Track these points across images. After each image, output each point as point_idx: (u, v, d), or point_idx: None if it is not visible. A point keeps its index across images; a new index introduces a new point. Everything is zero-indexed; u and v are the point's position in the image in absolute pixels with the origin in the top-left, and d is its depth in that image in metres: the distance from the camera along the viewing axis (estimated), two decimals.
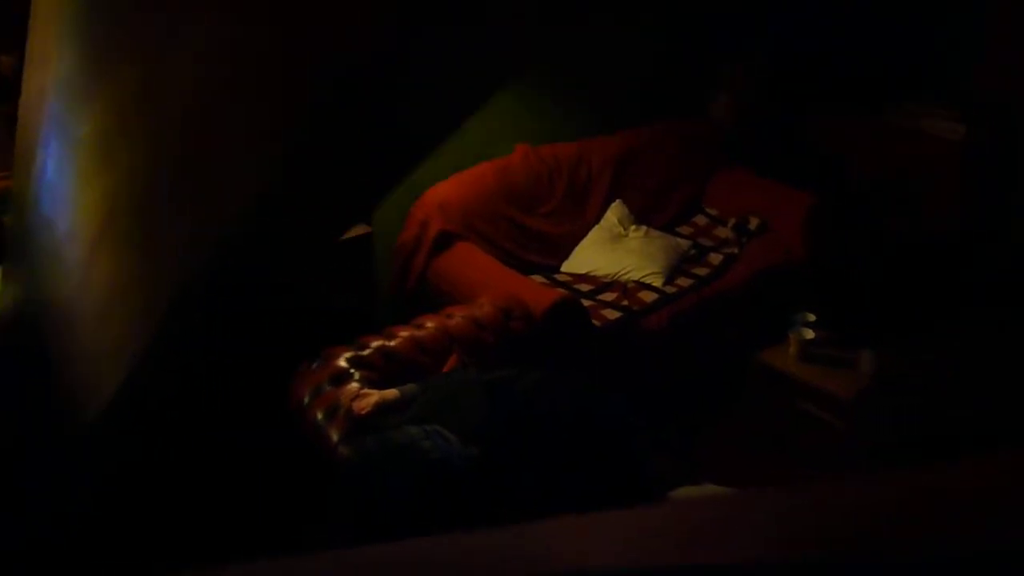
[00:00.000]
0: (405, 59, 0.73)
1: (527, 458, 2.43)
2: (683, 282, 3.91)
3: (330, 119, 0.71)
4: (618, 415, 2.64)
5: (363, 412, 2.57)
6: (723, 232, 4.33)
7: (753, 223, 4.30)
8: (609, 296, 3.77)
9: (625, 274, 3.89)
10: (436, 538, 0.52)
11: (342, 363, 2.84)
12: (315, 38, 0.69)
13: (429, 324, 3.07)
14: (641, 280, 3.86)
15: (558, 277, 3.95)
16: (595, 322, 3.53)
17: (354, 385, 2.74)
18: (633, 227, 4.18)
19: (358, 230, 3.57)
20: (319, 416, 2.67)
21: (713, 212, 4.49)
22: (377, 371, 2.85)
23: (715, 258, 4.13)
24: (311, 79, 0.69)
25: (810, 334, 3.67)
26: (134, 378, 0.86)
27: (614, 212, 4.19)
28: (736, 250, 4.18)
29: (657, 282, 3.85)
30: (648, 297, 3.76)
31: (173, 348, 0.86)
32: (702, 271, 4.02)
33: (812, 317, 3.75)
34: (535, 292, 3.41)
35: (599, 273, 3.93)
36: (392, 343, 2.96)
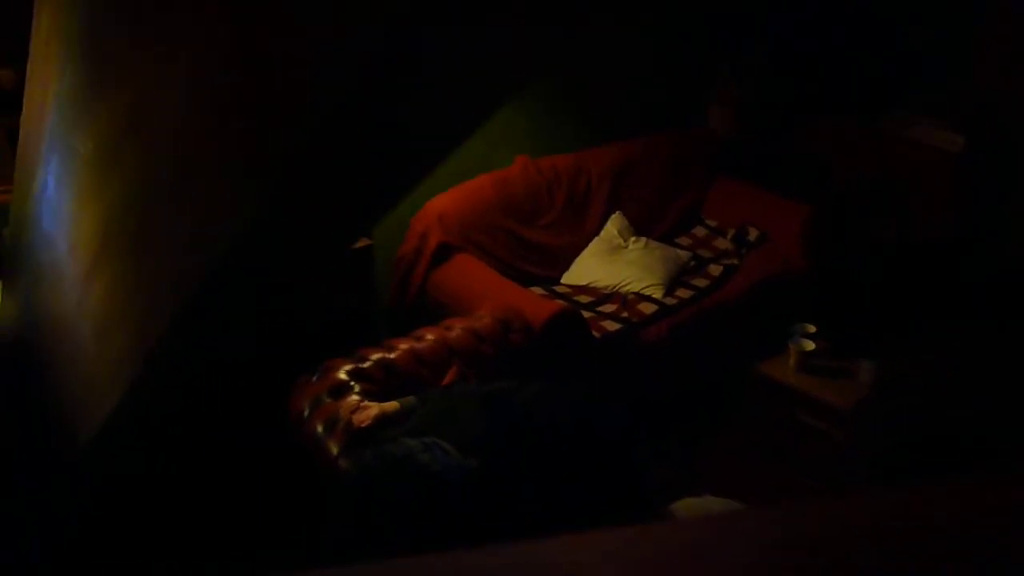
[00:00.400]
0: (409, 67, 0.73)
1: (526, 470, 2.42)
2: (683, 293, 3.92)
3: (333, 128, 0.71)
4: (618, 426, 2.64)
5: (363, 425, 2.57)
6: (722, 243, 4.34)
7: (752, 234, 4.30)
8: (609, 308, 3.77)
9: (625, 286, 3.90)
10: (427, 557, 0.52)
11: (342, 375, 2.84)
12: (317, 44, 0.69)
13: (429, 336, 3.07)
14: (641, 292, 3.86)
15: (557, 289, 3.95)
16: (595, 333, 3.53)
17: (354, 398, 2.74)
18: (633, 238, 4.18)
19: (358, 242, 3.57)
20: (319, 428, 2.67)
21: (712, 223, 4.50)
22: (377, 384, 2.85)
23: (715, 269, 4.13)
24: (313, 87, 0.69)
25: (809, 345, 3.67)
26: (135, 391, 0.86)
27: (613, 224, 4.20)
28: (735, 261, 4.19)
29: (657, 294, 3.85)
30: (648, 309, 3.76)
31: (174, 362, 0.86)
32: (702, 282, 4.02)
33: (811, 328, 3.75)
34: (534, 304, 3.42)
35: (599, 285, 3.94)
36: (392, 355, 2.96)
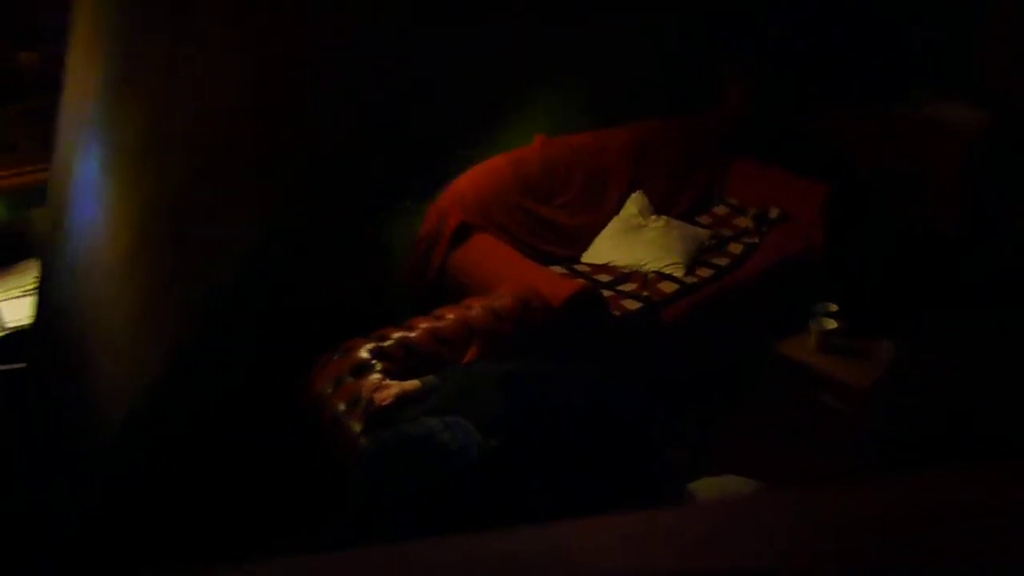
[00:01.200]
0: (421, 70, 0.73)
1: (543, 450, 2.44)
2: (703, 272, 3.91)
3: (355, 129, 0.71)
4: (633, 407, 2.65)
5: (384, 403, 2.60)
6: (743, 222, 4.33)
7: (773, 213, 4.28)
8: (629, 287, 3.77)
9: (645, 264, 3.89)
10: (445, 539, 0.53)
11: (363, 354, 2.86)
12: (332, 47, 0.69)
13: (449, 316, 3.09)
14: (661, 270, 3.86)
15: (577, 268, 3.96)
16: (615, 312, 3.54)
17: (375, 376, 2.76)
18: (653, 217, 4.17)
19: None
20: (341, 407, 2.70)
21: (733, 202, 4.48)
22: (397, 362, 2.87)
23: (735, 248, 4.12)
24: (328, 89, 0.69)
25: (831, 324, 3.66)
26: (173, 372, 0.87)
27: (634, 203, 4.19)
28: (756, 240, 4.17)
29: (678, 272, 3.85)
30: (668, 288, 3.76)
31: (201, 353, 0.88)
32: (722, 261, 4.01)
33: (833, 307, 3.74)
34: (554, 283, 3.42)
35: (618, 264, 3.94)
36: (412, 335, 2.98)
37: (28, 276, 3.03)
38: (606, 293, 3.63)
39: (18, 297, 2.91)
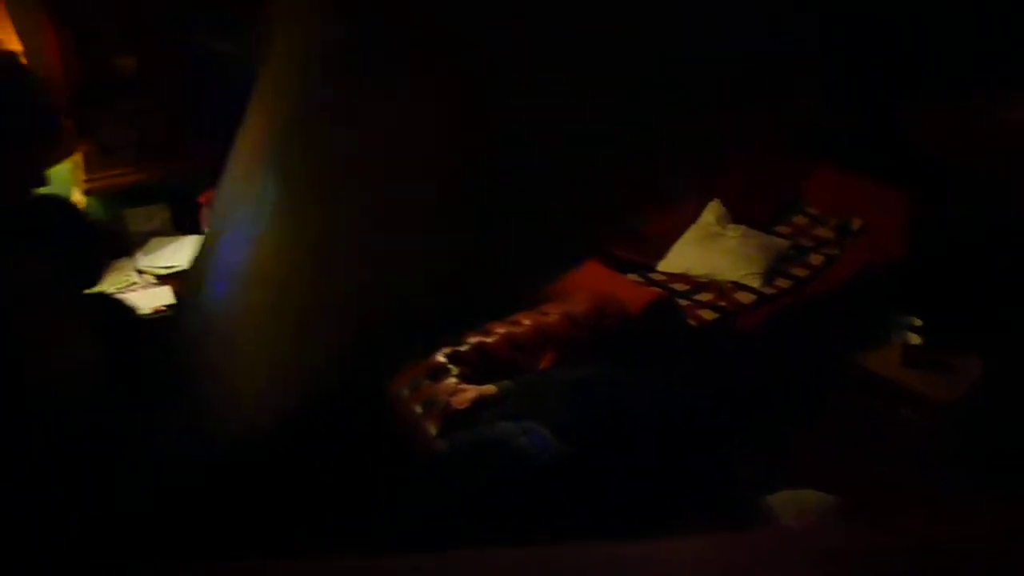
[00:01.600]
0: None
1: (613, 459, 2.45)
2: (782, 283, 3.87)
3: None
4: (704, 417, 2.64)
5: (462, 407, 2.65)
6: (824, 232, 4.25)
7: (856, 223, 4.20)
8: (706, 296, 3.76)
9: (722, 274, 3.87)
10: (511, 550, 0.55)
11: (440, 358, 2.92)
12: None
13: (526, 321, 3.12)
14: (738, 281, 3.83)
15: (653, 276, 3.95)
16: (691, 322, 3.53)
17: (452, 380, 2.82)
18: (731, 226, 4.14)
19: None
20: (417, 410, 2.76)
21: (813, 211, 4.41)
22: (472, 367, 2.93)
23: (815, 259, 4.06)
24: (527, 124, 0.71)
25: (916, 338, 3.58)
26: (330, 386, 0.92)
27: (711, 211, 4.17)
28: (837, 251, 4.10)
29: (755, 283, 3.82)
30: (746, 298, 3.73)
31: (373, 363, 0.92)
32: (801, 272, 3.96)
33: (917, 321, 3.66)
34: (631, 291, 3.43)
35: (695, 273, 3.92)
36: (489, 340, 3.02)
37: (122, 275, 3.19)
38: (682, 303, 3.62)
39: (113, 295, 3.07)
